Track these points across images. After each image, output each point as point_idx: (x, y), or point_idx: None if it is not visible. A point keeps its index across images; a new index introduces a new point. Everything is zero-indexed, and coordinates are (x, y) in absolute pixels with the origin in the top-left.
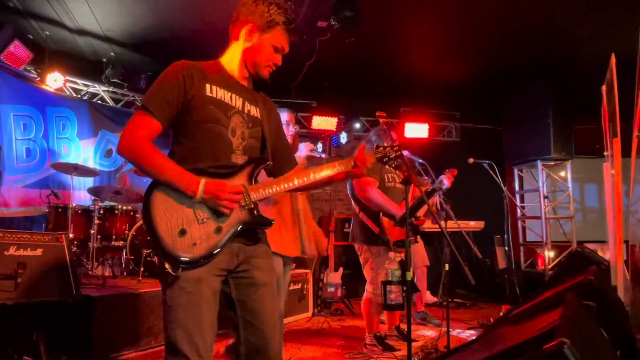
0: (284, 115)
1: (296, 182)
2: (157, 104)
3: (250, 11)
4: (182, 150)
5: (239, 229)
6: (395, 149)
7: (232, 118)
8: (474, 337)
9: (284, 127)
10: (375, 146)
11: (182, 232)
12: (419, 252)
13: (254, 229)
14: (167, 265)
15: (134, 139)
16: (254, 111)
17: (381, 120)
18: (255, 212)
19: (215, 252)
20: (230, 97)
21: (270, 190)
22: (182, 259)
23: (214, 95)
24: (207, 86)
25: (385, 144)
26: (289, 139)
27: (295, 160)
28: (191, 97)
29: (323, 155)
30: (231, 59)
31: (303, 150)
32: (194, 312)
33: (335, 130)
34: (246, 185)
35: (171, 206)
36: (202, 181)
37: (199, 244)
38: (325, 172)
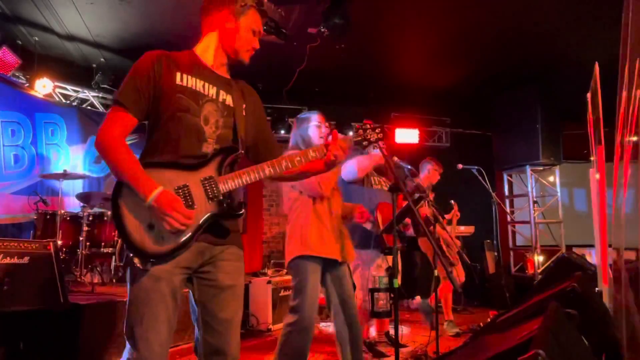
0: (315, 118)
1: (267, 171)
2: (129, 97)
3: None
4: (153, 142)
5: (207, 221)
6: (377, 130)
7: (205, 106)
8: (460, 344)
9: (315, 129)
10: (355, 127)
11: (150, 227)
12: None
13: (224, 228)
14: (136, 260)
15: (107, 136)
16: (229, 100)
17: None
18: (224, 203)
19: (184, 245)
20: (203, 86)
21: (240, 181)
22: (151, 252)
23: (185, 84)
24: (178, 75)
25: (366, 126)
26: (322, 140)
27: (280, 151)
28: (161, 86)
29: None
30: (206, 48)
31: (315, 134)
32: (150, 308)
33: None
34: (214, 176)
35: (139, 201)
36: (158, 189)
37: (167, 238)
38: (299, 159)
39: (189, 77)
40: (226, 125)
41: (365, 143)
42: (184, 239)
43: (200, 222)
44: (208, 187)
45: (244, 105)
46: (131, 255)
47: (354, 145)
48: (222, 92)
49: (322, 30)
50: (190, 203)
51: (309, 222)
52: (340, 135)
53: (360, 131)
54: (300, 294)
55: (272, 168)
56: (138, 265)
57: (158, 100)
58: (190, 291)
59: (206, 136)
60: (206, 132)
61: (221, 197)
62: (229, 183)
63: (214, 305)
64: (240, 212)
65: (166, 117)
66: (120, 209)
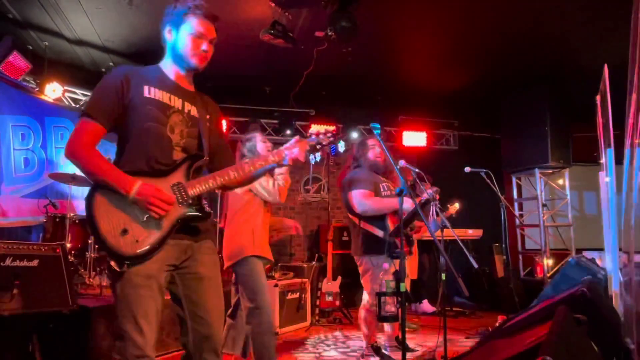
0: (258, 136)
1: (232, 175)
2: (97, 108)
3: (164, 15)
4: (125, 151)
5: (178, 223)
6: (328, 135)
7: (171, 117)
8: (468, 349)
9: (261, 144)
10: (308, 134)
11: (124, 231)
12: (410, 265)
13: (198, 228)
14: (112, 263)
15: (76, 144)
16: (194, 111)
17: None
18: (193, 207)
19: (157, 247)
20: (169, 98)
21: (207, 185)
22: (126, 256)
23: (152, 96)
24: (146, 88)
25: (319, 132)
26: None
27: (233, 159)
28: (130, 99)
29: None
30: (167, 63)
31: (262, 149)
32: (142, 305)
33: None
34: (182, 182)
35: (112, 207)
36: (138, 183)
37: (141, 241)
38: (260, 164)
39: (156, 90)
40: (190, 135)
41: (318, 147)
42: (157, 240)
43: (172, 224)
44: (177, 192)
45: (208, 116)
46: (108, 258)
47: (309, 149)
48: (187, 104)
49: (329, 33)
50: None
51: (259, 225)
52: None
53: (314, 136)
54: (258, 293)
55: (236, 172)
56: (115, 267)
57: (127, 112)
58: (172, 290)
59: (174, 144)
60: (173, 140)
61: (190, 201)
62: (197, 187)
63: (198, 296)
64: (208, 213)
65: (136, 127)
66: (95, 217)
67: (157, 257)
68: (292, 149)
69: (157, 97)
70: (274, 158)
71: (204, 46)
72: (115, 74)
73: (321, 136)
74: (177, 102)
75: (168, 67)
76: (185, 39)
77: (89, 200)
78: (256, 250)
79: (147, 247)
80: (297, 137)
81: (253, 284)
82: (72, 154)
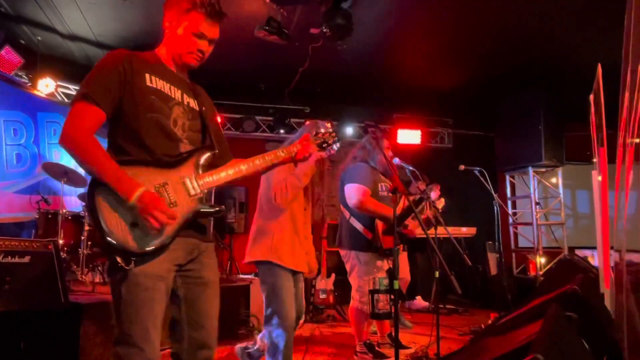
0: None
1: (243, 169)
2: (97, 90)
3: (169, 1)
4: (125, 141)
5: (189, 218)
6: (332, 134)
7: (173, 109)
8: (461, 347)
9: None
10: (314, 133)
11: (133, 225)
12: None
13: (205, 226)
14: (119, 260)
15: (73, 129)
16: (193, 103)
17: (370, 130)
18: (204, 200)
19: (167, 242)
20: (170, 89)
21: (218, 178)
22: (135, 252)
23: (155, 86)
24: (147, 76)
25: (323, 130)
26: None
27: (228, 151)
28: (132, 86)
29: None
30: (165, 50)
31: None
32: (153, 309)
33: None
34: (193, 174)
35: (119, 199)
36: (140, 190)
37: (151, 236)
38: (270, 159)
39: (157, 79)
40: (192, 128)
41: (324, 145)
42: (168, 237)
43: (183, 219)
44: (189, 185)
45: (203, 108)
46: (113, 254)
47: (315, 146)
48: (185, 95)
49: (324, 30)
50: (172, 201)
51: (285, 226)
52: (309, 139)
53: (320, 134)
54: (273, 300)
55: (247, 166)
56: (121, 264)
57: (129, 100)
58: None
59: (179, 137)
60: (177, 133)
61: (201, 195)
62: (208, 180)
63: (202, 302)
64: (220, 209)
65: (139, 117)
66: (99, 207)
67: (166, 257)
68: (300, 145)
69: (159, 87)
70: (283, 154)
71: (202, 47)
72: (117, 55)
73: (326, 135)
74: (177, 94)
75: (165, 55)
76: (184, 35)
77: (93, 191)
78: (275, 257)
79: (158, 242)
80: (305, 135)
81: (270, 290)
82: (71, 142)
